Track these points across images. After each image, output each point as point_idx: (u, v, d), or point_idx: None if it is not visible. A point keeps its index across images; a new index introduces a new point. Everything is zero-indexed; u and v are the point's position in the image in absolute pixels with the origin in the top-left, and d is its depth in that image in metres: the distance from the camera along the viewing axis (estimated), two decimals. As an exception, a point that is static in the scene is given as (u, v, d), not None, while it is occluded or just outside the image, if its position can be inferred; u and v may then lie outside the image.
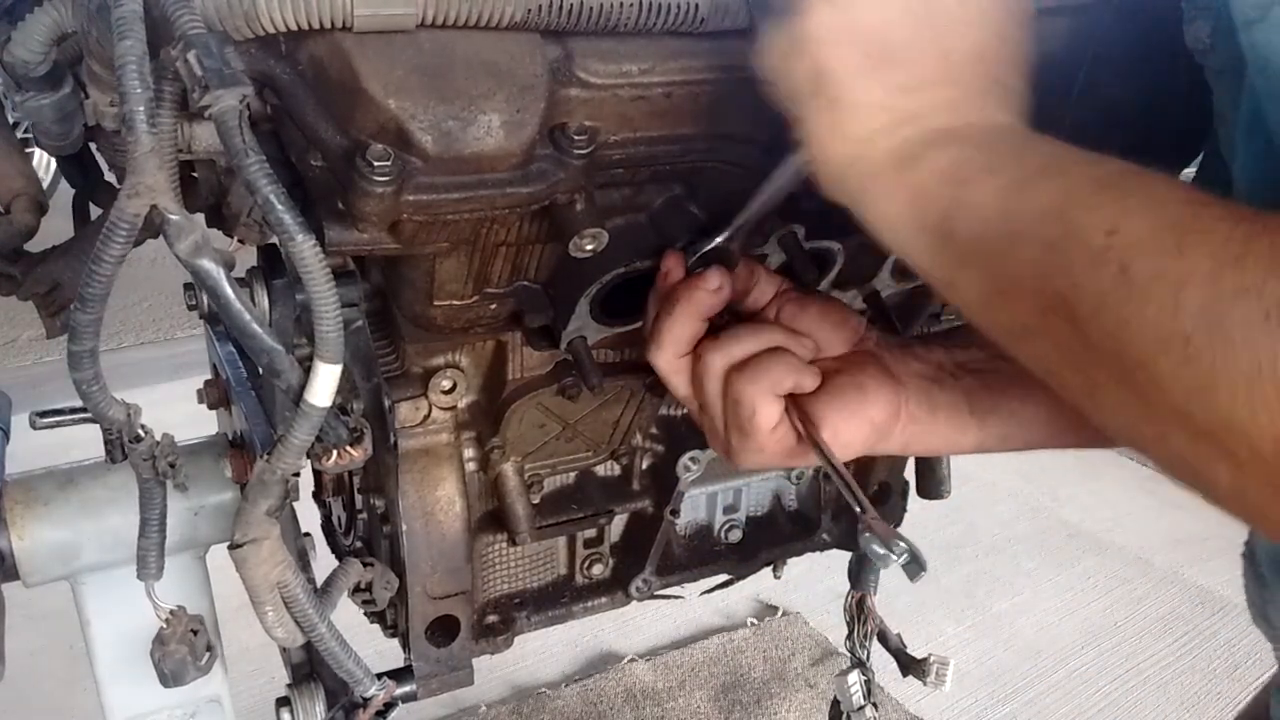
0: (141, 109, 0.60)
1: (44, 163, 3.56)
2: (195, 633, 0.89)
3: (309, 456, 0.74)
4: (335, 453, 0.74)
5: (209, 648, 0.90)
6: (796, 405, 0.82)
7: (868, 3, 0.65)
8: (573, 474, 1.16)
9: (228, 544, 0.77)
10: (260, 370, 0.78)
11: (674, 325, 0.84)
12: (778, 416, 0.81)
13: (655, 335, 0.85)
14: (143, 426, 0.77)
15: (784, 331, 0.85)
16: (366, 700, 0.86)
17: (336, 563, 0.92)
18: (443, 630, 1.05)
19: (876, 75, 0.65)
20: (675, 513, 1.17)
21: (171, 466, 0.79)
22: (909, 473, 1.38)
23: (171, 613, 0.88)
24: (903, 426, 0.84)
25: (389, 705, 0.88)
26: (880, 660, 1.73)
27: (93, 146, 0.96)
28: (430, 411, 0.99)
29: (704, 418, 0.86)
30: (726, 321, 0.86)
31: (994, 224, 0.58)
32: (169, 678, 0.89)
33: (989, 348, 0.85)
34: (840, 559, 1.56)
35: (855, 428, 0.82)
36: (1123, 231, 0.52)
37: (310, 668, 1.06)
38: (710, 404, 0.84)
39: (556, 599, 1.21)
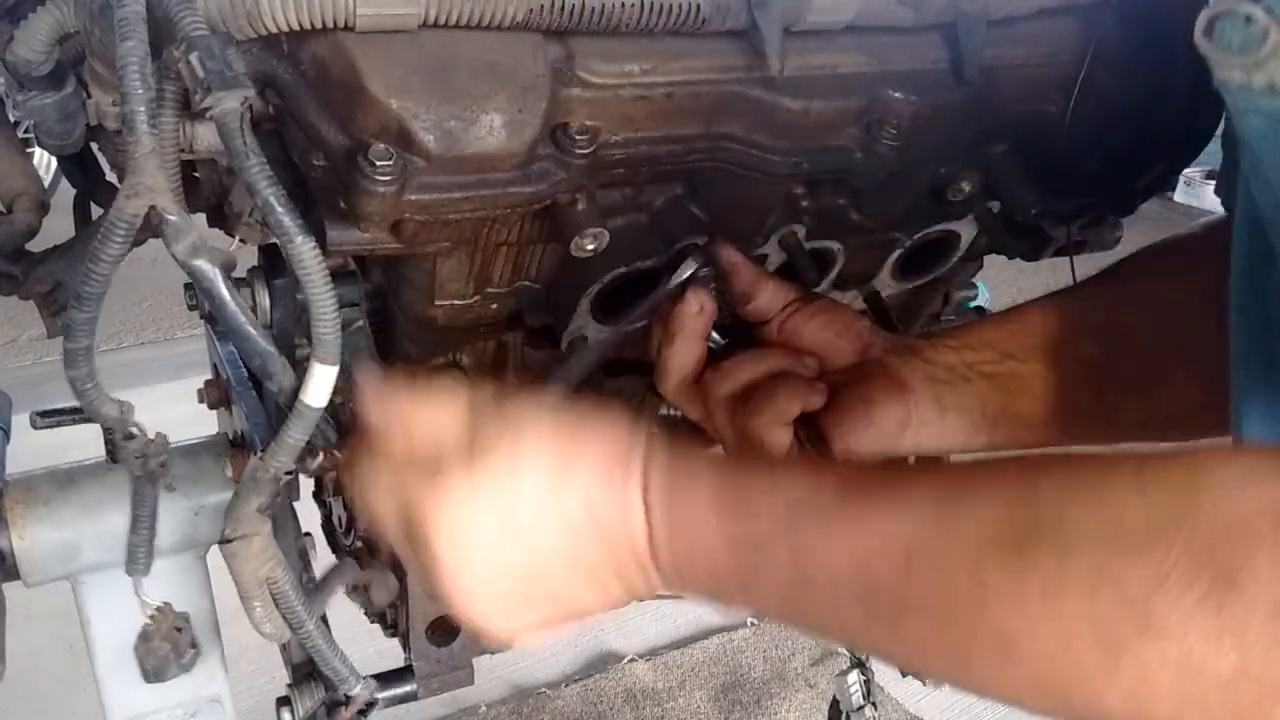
0: (143, 109, 0.60)
1: (45, 162, 3.56)
2: (179, 630, 0.90)
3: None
4: (321, 454, 0.74)
5: (193, 645, 0.91)
6: (806, 424, 0.83)
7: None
8: (573, 474, 1.16)
9: (219, 540, 0.78)
10: (254, 372, 0.78)
11: (671, 354, 0.85)
12: (788, 442, 0.82)
13: (658, 366, 0.87)
14: (136, 425, 0.77)
15: (786, 354, 0.86)
16: (349, 699, 0.87)
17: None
18: (443, 630, 1.05)
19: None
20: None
21: (162, 466, 0.79)
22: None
23: (157, 609, 0.89)
24: (913, 431, 0.84)
25: (369, 705, 0.88)
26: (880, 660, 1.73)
27: (94, 146, 0.96)
28: (431, 411, 0.99)
29: (720, 441, 0.86)
30: (735, 335, 0.87)
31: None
32: (151, 674, 0.89)
33: (1000, 348, 0.86)
34: (840, 559, 1.56)
35: (866, 441, 0.83)
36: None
37: (311, 667, 1.06)
38: (721, 431, 0.84)
39: (557, 599, 1.20)
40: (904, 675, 1.68)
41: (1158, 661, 0.45)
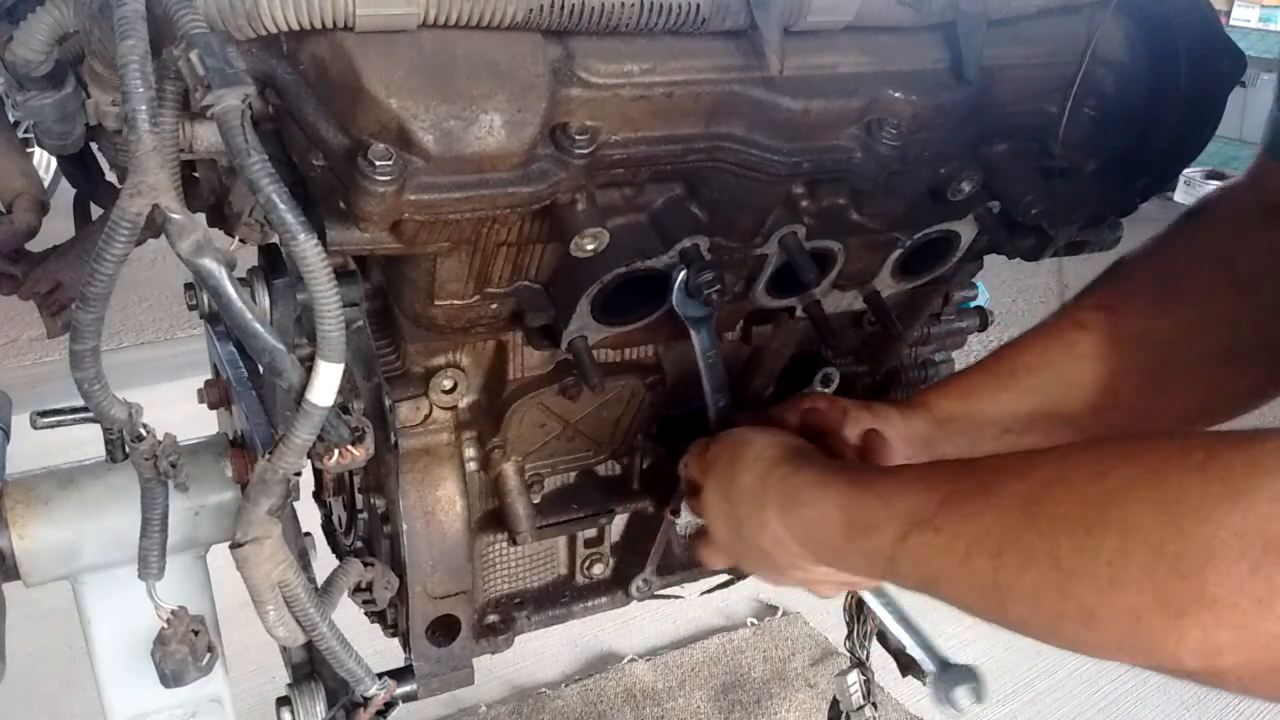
0: (143, 108, 0.60)
1: (45, 162, 3.56)
2: (196, 633, 0.89)
3: (310, 456, 0.74)
4: (337, 452, 0.74)
5: (210, 648, 0.90)
6: None
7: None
8: (573, 473, 1.16)
9: (229, 543, 0.77)
10: (261, 370, 0.78)
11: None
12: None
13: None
14: (144, 426, 0.77)
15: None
16: (367, 699, 0.86)
17: (337, 562, 0.92)
18: (443, 630, 1.05)
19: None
20: (675, 513, 1.17)
21: (173, 466, 0.79)
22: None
23: (173, 613, 0.88)
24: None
25: (389, 705, 0.88)
26: (880, 660, 1.72)
27: (94, 146, 0.96)
28: (431, 411, 0.99)
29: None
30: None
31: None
32: (170, 678, 0.89)
33: (1000, 425, 0.99)
34: (840, 559, 1.56)
35: None
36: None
37: (311, 667, 1.06)
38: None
39: (557, 599, 1.20)
40: (903, 676, 1.68)
41: (1215, 625, 0.51)
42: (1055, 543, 0.59)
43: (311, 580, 0.84)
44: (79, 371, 0.68)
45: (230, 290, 0.64)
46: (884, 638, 1.72)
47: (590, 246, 0.80)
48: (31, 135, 0.90)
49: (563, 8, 0.73)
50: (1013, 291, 4.94)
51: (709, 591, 1.39)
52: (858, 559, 0.78)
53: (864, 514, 0.75)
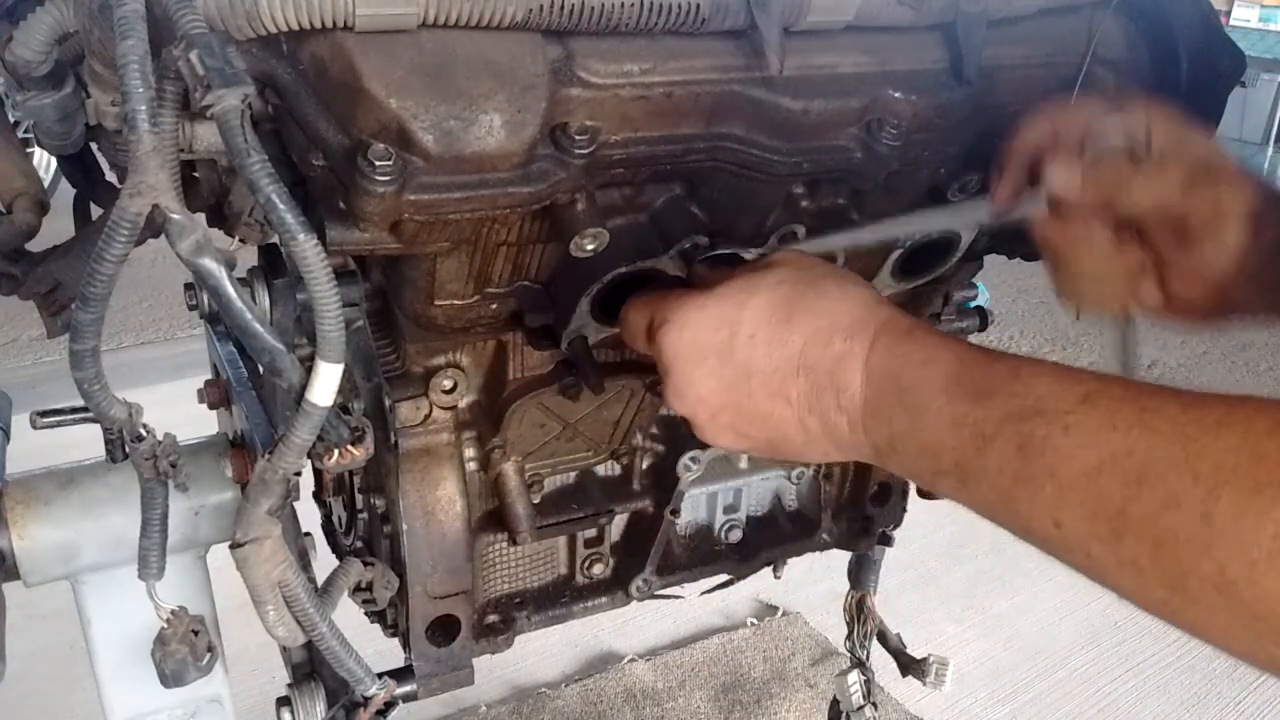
0: (143, 108, 0.60)
1: (44, 162, 3.56)
2: (196, 633, 0.89)
3: (310, 456, 0.74)
4: (337, 452, 0.74)
5: (210, 648, 0.90)
6: None
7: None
8: (573, 474, 1.16)
9: (229, 543, 0.77)
10: (261, 369, 0.78)
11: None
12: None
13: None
14: (144, 426, 0.77)
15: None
16: (367, 699, 0.86)
17: (336, 562, 0.92)
18: (443, 630, 1.05)
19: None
20: (675, 512, 1.17)
21: (173, 466, 0.79)
22: (909, 473, 1.38)
23: (173, 613, 0.88)
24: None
25: (389, 704, 0.88)
26: (880, 660, 1.73)
27: (94, 146, 0.96)
28: (431, 411, 0.99)
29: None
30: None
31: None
32: (170, 678, 0.89)
33: None
34: (840, 559, 1.56)
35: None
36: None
37: (310, 667, 1.06)
38: None
39: (557, 599, 1.20)
40: (903, 676, 1.68)
41: None
42: (1214, 494, 0.49)
43: (311, 580, 0.84)
44: (79, 371, 0.68)
45: (230, 290, 0.64)
46: (884, 638, 1.73)
47: (590, 246, 0.80)
48: (31, 135, 0.90)
49: (563, 8, 0.73)
50: (1013, 291, 4.95)
51: (709, 591, 1.39)
52: (934, 424, 0.64)
53: (980, 377, 0.63)
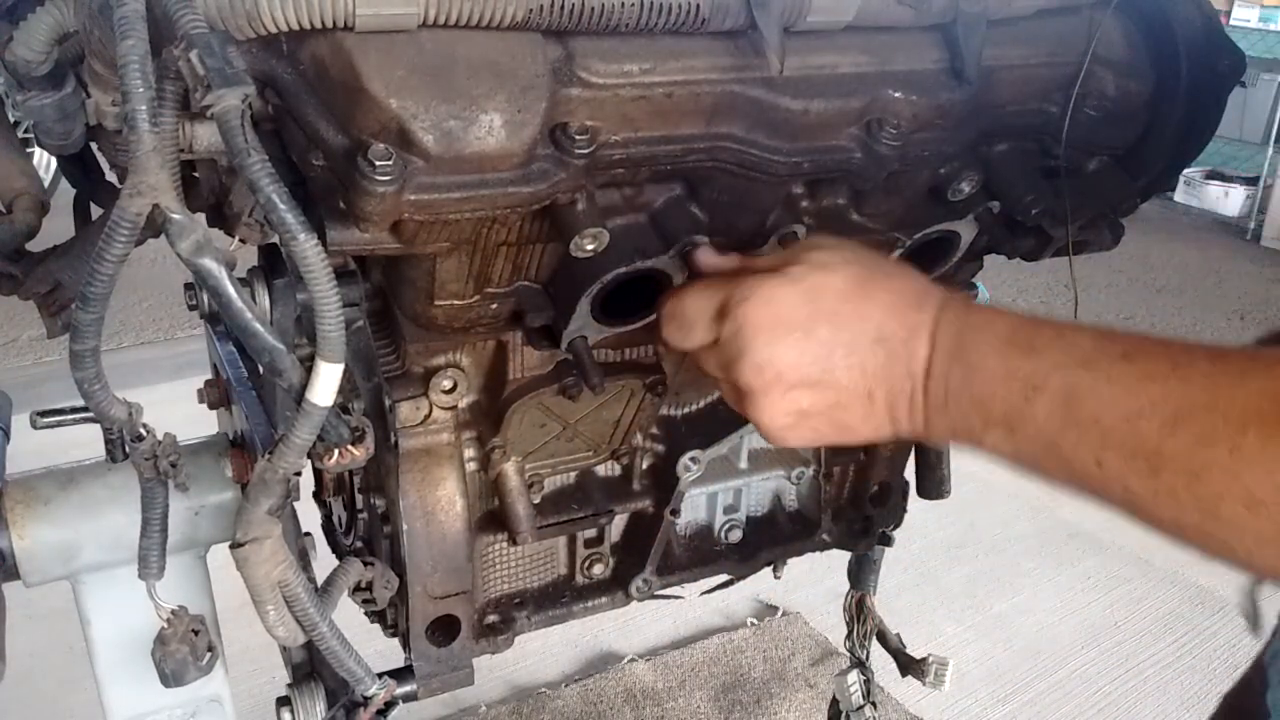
0: (144, 108, 0.60)
1: (44, 162, 3.57)
2: (196, 633, 0.89)
3: (310, 456, 0.74)
4: (337, 452, 0.74)
5: (210, 648, 0.90)
6: None
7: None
8: (573, 474, 1.16)
9: (229, 543, 0.77)
10: (261, 370, 0.78)
11: None
12: None
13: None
14: (144, 426, 0.77)
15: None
16: (367, 699, 0.86)
17: (336, 562, 0.92)
18: (443, 630, 1.05)
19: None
20: (675, 513, 1.17)
21: (173, 466, 0.79)
22: (909, 473, 1.38)
23: (173, 613, 0.88)
24: None
25: (389, 704, 0.88)
26: (880, 660, 1.72)
27: (94, 146, 0.96)
28: (431, 411, 0.99)
29: None
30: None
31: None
32: (170, 678, 0.89)
33: None
34: (840, 559, 1.56)
35: None
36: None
37: (310, 667, 1.06)
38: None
39: (557, 599, 1.21)
40: (903, 676, 1.68)
41: None
42: (1242, 430, 0.57)
43: (311, 580, 0.84)
44: (79, 371, 0.68)
45: (230, 290, 0.64)
46: (884, 638, 1.73)
47: (590, 246, 0.80)
48: (31, 135, 0.90)
49: (563, 8, 0.73)
50: (1013, 291, 4.94)
51: (709, 592, 1.39)
52: (988, 378, 0.71)
53: (1031, 337, 0.71)
